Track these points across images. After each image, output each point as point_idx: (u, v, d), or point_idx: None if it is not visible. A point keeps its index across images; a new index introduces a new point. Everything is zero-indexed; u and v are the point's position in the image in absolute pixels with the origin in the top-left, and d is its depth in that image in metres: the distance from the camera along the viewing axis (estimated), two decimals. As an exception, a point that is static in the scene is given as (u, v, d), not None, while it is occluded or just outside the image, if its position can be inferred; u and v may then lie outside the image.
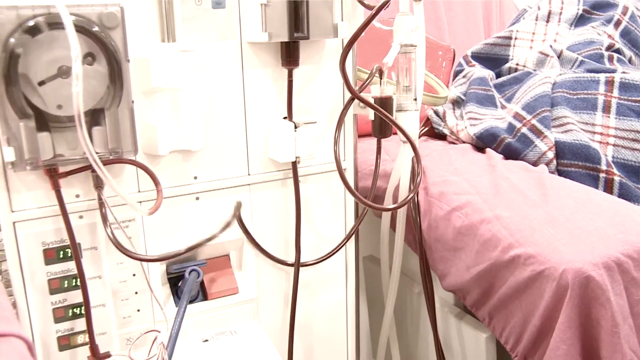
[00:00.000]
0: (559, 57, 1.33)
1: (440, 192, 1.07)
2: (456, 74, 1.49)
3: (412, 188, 1.09)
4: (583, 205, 0.92)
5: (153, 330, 0.91)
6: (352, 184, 1.06)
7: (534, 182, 1.02)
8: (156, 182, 0.84)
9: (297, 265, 1.02)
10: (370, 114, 1.04)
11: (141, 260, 0.85)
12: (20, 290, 0.85)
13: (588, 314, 0.83)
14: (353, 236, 1.09)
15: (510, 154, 1.16)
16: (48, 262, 0.86)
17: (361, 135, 1.16)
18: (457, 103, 1.37)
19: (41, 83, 0.74)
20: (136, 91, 0.84)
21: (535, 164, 1.12)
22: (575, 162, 1.08)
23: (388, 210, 0.97)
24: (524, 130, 1.15)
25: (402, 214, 1.12)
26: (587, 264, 0.81)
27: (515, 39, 1.44)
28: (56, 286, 0.87)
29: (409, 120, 1.05)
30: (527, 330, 0.90)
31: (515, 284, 0.90)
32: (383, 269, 1.21)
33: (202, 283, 0.97)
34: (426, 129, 1.41)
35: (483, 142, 1.22)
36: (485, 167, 1.11)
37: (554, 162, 1.10)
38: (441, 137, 1.40)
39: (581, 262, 0.82)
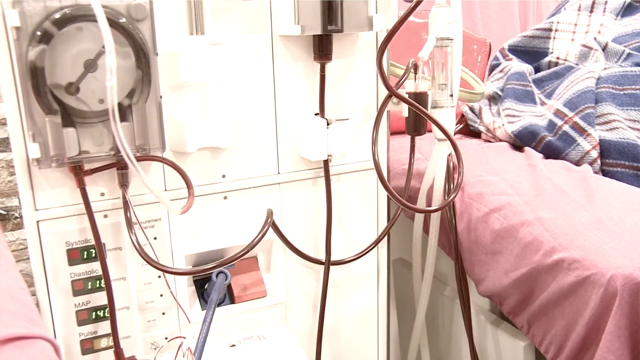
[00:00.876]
0: (603, 50, 1.30)
1: (477, 192, 1.06)
2: (492, 68, 1.47)
3: (449, 188, 1.08)
4: (632, 208, 0.90)
5: (179, 337, 0.91)
6: (389, 185, 1.05)
7: (578, 183, 1.00)
8: (187, 181, 0.84)
9: (328, 264, 1.02)
10: (405, 110, 1.03)
11: (167, 272, 0.85)
12: (44, 291, 0.85)
13: (638, 322, 0.81)
14: (385, 238, 1.08)
15: (551, 153, 1.14)
16: (72, 262, 0.86)
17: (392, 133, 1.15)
18: (494, 99, 1.36)
19: (68, 78, 0.74)
20: (163, 86, 0.84)
21: (577, 163, 1.10)
22: (621, 162, 1.06)
23: (428, 212, 0.96)
24: (566, 128, 1.13)
25: (436, 215, 1.10)
26: (638, 269, 0.79)
27: (556, 30, 1.42)
28: (80, 287, 0.87)
29: (444, 117, 1.04)
30: (571, 339, 0.88)
31: (558, 290, 0.88)
32: (415, 273, 1.20)
33: (229, 286, 0.97)
34: (460, 126, 1.39)
35: (521, 140, 1.20)
36: (524, 166, 1.10)
37: (598, 161, 1.08)
38: (476, 134, 1.38)
39: (631, 267, 0.80)
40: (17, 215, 1.86)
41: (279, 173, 0.97)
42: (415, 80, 1.02)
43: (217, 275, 0.93)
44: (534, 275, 0.93)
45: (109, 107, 0.62)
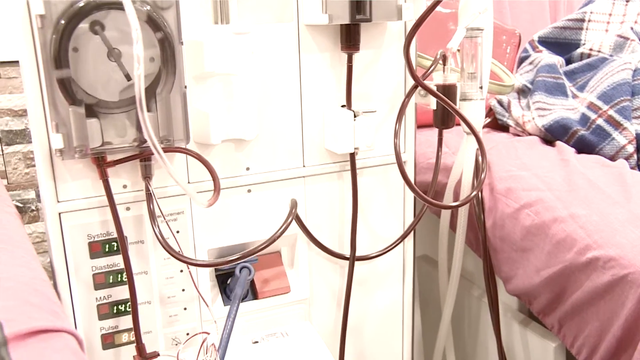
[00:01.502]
0: (640, 40, 1.29)
1: (507, 188, 1.05)
2: (521, 60, 1.45)
3: (476, 184, 1.07)
4: (670, 205, 0.89)
5: (203, 333, 0.91)
6: (411, 179, 1.04)
7: (614, 178, 0.99)
8: (213, 174, 0.84)
9: (352, 259, 1.01)
10: (432, 103, 1.02)
11: (192, 264, 0.85)
12: (65, 285, 0.86)
13: (677, 324, 0.80)
14: (411, 233, 1.07)
15: (584, 147, 1.13)
16: (93, 255, 0.86)
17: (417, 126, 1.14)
18: (523, 92, 1.34)
19: (92, 68, 0.74)
20: (188, 76, 0.84)
21: (612, 158, 1.09)
22: (659, 158, 1.05)
23: (451, 207, 0.96)
24: (600, 121, 1.12)
25: (463, 211, 1.09)
26: (677, 269, 0.78)
27: (589, 21, 1.40)
28: (101, 281, 0.87)
29: (473, 110, 1.03)
30: (605, 340, 0.87)
31: (592, 289, 0.87)
32: (441, 270, 1.19)
33: (251, 281, 0.97)
34: (488, 120, 1.38)
35: (552, 134, 1.19)
36: (556, 161, 1.08)
37: (635, 156, 1.06)
38: (504, 128, 1.37)
39: (670, 267, 0.79)
40: (33, 208, 1.88)
41: (304, 166, 0.97)
42: (443, 71, 1.01)
43: (240, 270, 0.93)
44: (566, 274, 0.92)
45: (136, 96, 0.62)
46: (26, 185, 1.86)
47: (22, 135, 1.81)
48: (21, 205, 1.85)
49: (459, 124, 1.06)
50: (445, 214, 1.16)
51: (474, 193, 0.96)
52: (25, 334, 0.58)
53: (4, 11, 1.48)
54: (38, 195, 1.87)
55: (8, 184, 1.82)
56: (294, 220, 0.92)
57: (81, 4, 0.72)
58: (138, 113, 0.63)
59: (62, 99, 0.74)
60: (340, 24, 0.91)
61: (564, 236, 0.91)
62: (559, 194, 0.97)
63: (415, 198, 1.08)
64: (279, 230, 0.87)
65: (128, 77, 0.75)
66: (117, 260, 0.87)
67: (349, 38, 0.91)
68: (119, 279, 0.88)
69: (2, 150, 1.80)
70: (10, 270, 0.71)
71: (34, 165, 1.83)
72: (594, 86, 1.20)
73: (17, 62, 1.71)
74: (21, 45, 0.77)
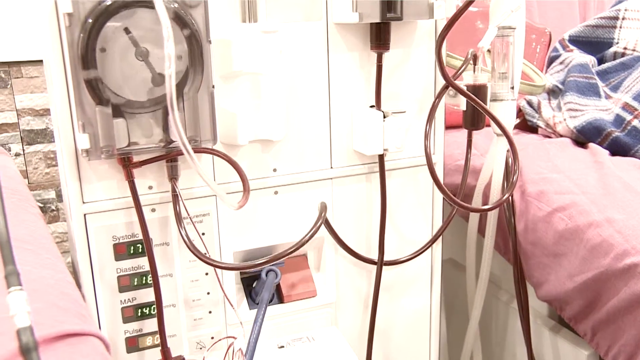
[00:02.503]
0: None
1: (539, 191, 1.03)
2: (551, 60, 1.43)
3: (506, 186, 1.05)
4: None
5: (229, 337, 0.90)
6: (441, 181, 1.03)
7: (651, 182, 0.97)
8: (242, 176, 0.83)
9: (380, 264, 1.00)
10: (462, 103, 1.01)
11: (219, 267, 0.85)
12: (89, 287, 0.85)
13: None
14: (440, 238, 1.06)
15: (619, 149, 1.11)
16: (118, 257, 0.86)
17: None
18: (554, 92, 1.33)
19: (120, 67, 0.74)
20: (215, 75, 0.83)
21: (648, 161, 1.07)
22: (698, 161, 1.03)
23: (483, 211, 0.94)
24: (636, 122, 1.10)
25: (493, 215, 1.08)
26: None
27: (623, 19, 1.38)
28: (126, 283, 0.87)
29: (505, 111, 1.02)
30: (643, 348, 0.86)
31: (629, 296, 0.85)
32: (469, 275, 1.18)
33: (277, 285, 0.96)
34: (518, 120, 1.36)
35: (585, 136, 1.17)
36: (590, 163, 1.07)
37: (672, 159, 1.05)
38: (533, 129, 1.35)
39: None
40: (53, 207, 1.89)
41: (331, 168, 0.96)
42: (474, 71, 1.00)
43: (267, 274, 0.92)
44: (602, 280, 0.90)
45: (167, 96, 0.61)
46: (46, 185, 1.87)
47: (43, 135, 1.82)
48: (41, 205, 1.86)
49: (488, 125, 1.05)
50: (474, 218, 1.15)
51: (506, 196, 0.94)
52: (53, 337, 0.58)
53: (26, 11, 1.48)
54: (58, 195, 1.88)
55: (29, 183, 1.83)
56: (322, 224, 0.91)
57: (108, 2, 0.72)
58: (169, 113, 0.62)
59: (89, 98, 0.74)
60: (370, 23, 0.90)
61: (599, 241, 0.90)
62: (594, 198, 0.96)
63: (444, 201, 1.06)
64: (307, 234, 0.86)
65: (155, 80, 0.75)
66: (142, 263, 0.87)
67: (379, 37, 0.90)
68: (144, 282, 0.87)
69: (23, 150, 1.81)
70: (36, 272, 0.71)
71: (54, 165, 1.84)
72: (629, 86, 1.18)
73: (38, 61, 1.72)
74: (48, 45, 0.77)
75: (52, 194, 1.89)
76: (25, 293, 0.48)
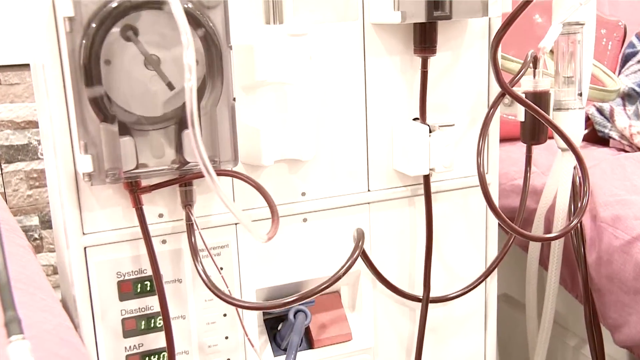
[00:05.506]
0: None
1: (614, 215, 1.04)
2: (626, 58, 1.44)
3: (574, 210, 1.06)
4: None
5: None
6: (496, 204, 1.04)
7: None
8: (271, 203, 0.85)
9: (426, 301, 1.01)
10: (520, 113, 1.02)
11: (241, 306, 0.86)
12: (89, 331, 0.87)
13: None
14: (495, 271, 1.07)
15: None
16: (123, 297, 0.88)
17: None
18: (630, 97, 1.33)
19: (128, 77, 0.76)
20: (236, 86, 0.85)
21: None
22: None
23: (546, 240, 0.95)
24: None
25: (558, 244, 1.09)
26: None
27: None
28: (131, 327, 0.89)
29: (571, 122, 1.03)
30: None
31: None
32: (529, 315, 1.18)
33: (306, 327, 0.98)
34: (586, 131, 1.37)
35: (668, 149, 1.17)
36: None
37: None
38: (604, 141, 1.36)
39: None
40: (36, 236, 1.90)
41: (369, 191, 0.97)
42: (534, 76, 1.01)
43: (295, 315, 0.94)
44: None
45: (188, 111, 0.63)
46: (28, 209, 1.89)
47: (25, 151, 1.83)
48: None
49: (550, 137, 1.06)
50: (534, 247, 1.16)
51: (575, 222, 0.95)
52: (57, 393, 0.60)
53: (5, 9, 1.51)
54: (42, 222, 1.90)
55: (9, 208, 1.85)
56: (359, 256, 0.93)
57: (114, 4, 0.74)
58: (190, 129, 0.64)
59: (93, 115, 0.76)
60: (414, 23, 0.92)
61: (687, 275, 0.90)
62: (680, 224, 0.96)
63: (499, 228, 1.07)
64: (342, 267, 0.87)
65: (170, 86, 0.76)
66: (151, 303, 0.89)
67: (424, 39, 0.92)
68: (153, 325, 0.89)
69: (1, 169, 1.82)
70: (32, 316, 0.73)
71: (38, 187, 1.86)
72: None
73: (20, 65, 1.75)
74: (44, 52, 0.79)
75: (34, 220, 1.90)
76: (28, 343, 0.50)
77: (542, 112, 0.96)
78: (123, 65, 0.76)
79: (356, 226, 0.97)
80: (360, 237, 0.91)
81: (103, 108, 0.76)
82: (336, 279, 0.86)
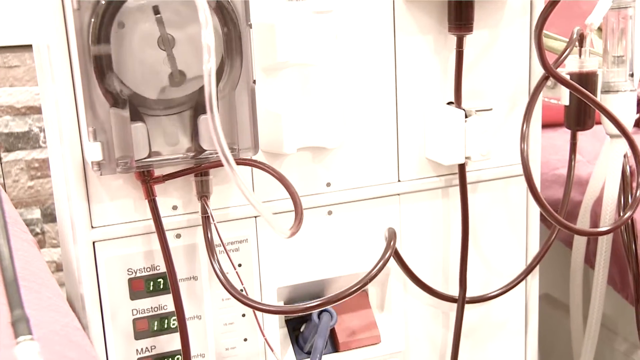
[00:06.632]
0: None
1: (668, 208, 1.04)
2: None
3: (625, 202, 1.06)
4: None
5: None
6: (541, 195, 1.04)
7: None
8: (294, 196, 0.85)
9: (462, 301, 1.02)
10: (564, 97, 1.02)
11: (261, 310, 0.87)
12: (99, 332, 0.88)
13: None
14: (537, 268, 1.07)
15: None
16: (134, 295, 0.89)
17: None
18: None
19: (138, 57, 0.77)
20: (256, 68, 0.85)
21: None
22: None
23: (595, 234, 0.95)
24: None
25: (606, 240, 1.09)
26: None
27: None
28: (143, 328, 0.90)
29: (621, 105, 1.03)
30: None
31: None
32: (573, 317, 1.18)
33: (332, 329, 0.98)
34: (638, 116, 1.36)
35: None
36: None
37: None
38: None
39: None
40: (38, 230, 1.92)
41: (399, 181, 0.98)
42: (580, 55, 1.01)
43: (319, 315, 0.94)
44: None
45: (206, 95, 0.64)
46: (29, 202, 1.90)
47: (26, 139, 1.84)
48: (24, 227, 1.90)
49: (598, 123, 1.06)
50: (580, 243, 1.16)
51: (627, 215, 0.95)
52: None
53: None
54: (45, 215, 1.91)
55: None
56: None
57: (126, -23, 0.75)
58: (209, 115, 0.65)
59: (102, 99, 0.76)
60: (449, -1, 0.92)
61: None
62: None
63: (541, 221, 1.07)
64: (373, 268, 0.88)
65: (181, 74, 0.77)
66: (164, 302, 0.90)
67: (460, 15, 0.92)
68: (166, 326, 0.90)
69: (0, 159, 1.83)
70: (39, 315, 0.73)
71: (39, 177, 1.87)
72: None
73: (20, 47, 1.75)
74: (50, 32, 0.80)
75: (36, 213, 1.91)
76: (37, 344, 0.50)
77: (590, 94, 0.95)
78: (134, 45, 0.76)
79: (385, 219, 0.98)
80: (391, 237, 0.92)
81: (113, 91, 0.76)
82: (365, 282, 0.87)
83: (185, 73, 0.78)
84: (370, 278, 0.87)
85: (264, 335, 0.93)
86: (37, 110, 1.80)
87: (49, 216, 1.90)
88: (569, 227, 0.95)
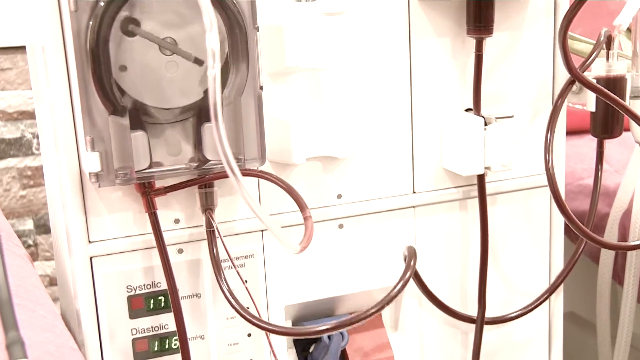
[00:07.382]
0: None
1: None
2: None
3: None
4: None
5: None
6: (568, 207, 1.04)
7: None
8: (304, 209, 0.85)
9: (481, 322, 1.01)
10: (590, 102, 1.02)
11: (271, 331, 0.86)
12: (96, 352, 0.88)
13: None
14: (561, 285, 1.07)
15: None
16: (134, 314, 0.89)
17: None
18: None
19: (139, 61, 0.77)
20: (263, 73, 0.86)
21: None
22: None
23: (625, 249, 0.95)
24: None
25: (636, 255, 1.08)
26: None
27: None
28: (143, 349, 0.90)
29: (651, 112, 1.03)
30: None
31: None
32: (600, 337, 1.18)
33: (342, 350, 0.98)
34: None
35: None
36: None
37: None
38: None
39: None
40: (30, 242, 1.92)
41: (414, 192, 0.98)
42: (607, 58, 1.01)
43: (330, 336, 0.94)
44: None
45: (210, 102, 0.64)
46: (21, 212, 1.90)
47: (18, 146, 1.83)
48: (15, 239, 1.90)
49: (627, 130, 1.06)
50: (607, 258, 1.15)
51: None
52: None
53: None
54: (37, 226, 1.91)
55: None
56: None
57: (127, -22, 0.75)
58: (213, 123, 0.64)
59: (100, 106, 0.76)
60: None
61: None
62: None
63: (566, 235, 1.07)
64: (393, 289, 0.87)
65: (199, 62, 0.77)
66: (165, 321, 0.90)
67: (479, 17, 0.92)
68: (167, 346, 0.90)
69: (-9, 166, 1.83)
70: (33, 335, 0.73)
71: (32, 186, 1.87)
72: None
73: (13, 48, 1.75)
74: (46, 33, 0.80)
75: (28, 224, 1.91)
76: (32, 368, 0.50)
77: (619, 99, 0.95)
78: (134, 49, 0.76)
79: (399, 233, 0.98)
80: (412, 255, 0.91)
81: (112, 98, 0.76)
82: (383, 305, 0.86)
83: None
84: (388, 301, 0.86)
85: (276, 358, 0.93)
86: (30, 115, 1.80)
87: (42, 227, 1.89)
88: (598, 241, 0.94)
